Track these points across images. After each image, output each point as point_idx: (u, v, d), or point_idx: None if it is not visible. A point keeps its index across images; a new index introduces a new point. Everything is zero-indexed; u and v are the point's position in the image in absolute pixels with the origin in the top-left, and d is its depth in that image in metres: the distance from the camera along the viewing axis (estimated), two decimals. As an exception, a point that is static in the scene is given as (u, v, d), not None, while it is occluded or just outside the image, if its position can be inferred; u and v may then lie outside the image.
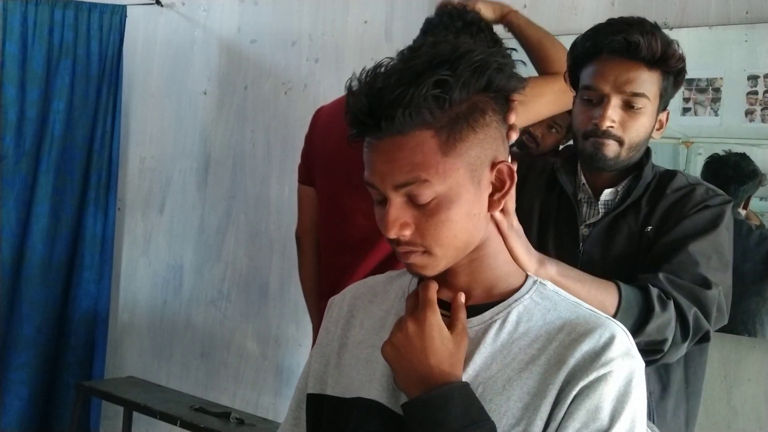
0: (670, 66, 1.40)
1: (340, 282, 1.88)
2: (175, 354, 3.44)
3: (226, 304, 3.28)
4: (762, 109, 2.07)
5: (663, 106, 1.45)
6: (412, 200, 0.90)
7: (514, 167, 0.95)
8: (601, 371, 0.87)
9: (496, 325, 0.94)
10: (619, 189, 1.48)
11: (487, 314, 0.95)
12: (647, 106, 1.40)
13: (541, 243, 1.49)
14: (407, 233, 0.91)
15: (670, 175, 1.49)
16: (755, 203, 2.10)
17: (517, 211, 1.51)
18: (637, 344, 1.24)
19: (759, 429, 2.03)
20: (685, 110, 2.18)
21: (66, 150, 3.41)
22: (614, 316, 1.22)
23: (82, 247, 3.46)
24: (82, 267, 3.45)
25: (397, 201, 0.90)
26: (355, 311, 1.07)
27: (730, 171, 2.12)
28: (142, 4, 3.47)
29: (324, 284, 2.03)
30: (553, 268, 1.17)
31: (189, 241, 3.43)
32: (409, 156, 0.88)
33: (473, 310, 0.96)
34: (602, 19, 2.36)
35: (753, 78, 2.08)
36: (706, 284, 1.33)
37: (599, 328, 0.91)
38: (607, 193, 1.49)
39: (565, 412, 0.87)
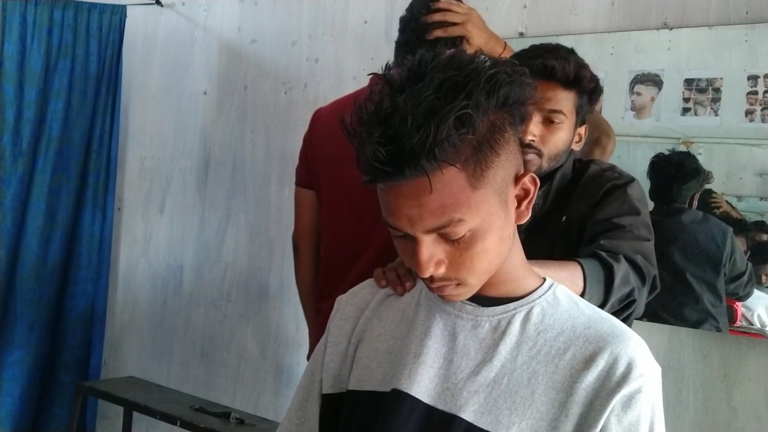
0: (583, 86, 1.56)
1: (340, 281, 1.88)
2: (175, 354, 3.44)
3: (226, 304, 3.28)
4: (762, 109, 2.07)
5: (580, 121, 1.61)
6: (443, 236, 0.86)
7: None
8: (636, 383, 0.87)
9: (521, 317, 0.94)
10: (539, 193, 1.60)
11: (512, 305, 0.95)
12: (564, 122, 1.55)
13: None
14: (442, 270, 0.88)
15: (584, 167, 1.63)
16: (755, 203, 2.10)
17: None
18: (613, 306, 1.34)
19: (759, 429, 2.03)
20: (685, 110, 2.18)
21: (63, 150, 3.40)
22: (585, 287, 1.29)
23: (79, 246, 3.46)
24: (79, 266, 3.46)
25: (427, 240, 0.86)
26: (376, 305, 1.06)
27: (672, 170, 2.17)
28: (142, 4, 3.46)
29: (324, 284, 2.02)
30: (535, 267, 1.20)
31: (189, 241, 3.43)
32: (438, 198, 0.83)
33: (494, 302, 0.96)
34: (602, 20, 2.38)
35: (753, 78, 2.08)
36: (643, 237, 1.48)
37: (623, 336, 0.90)
38: None
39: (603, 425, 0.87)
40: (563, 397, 0.88)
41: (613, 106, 2.28)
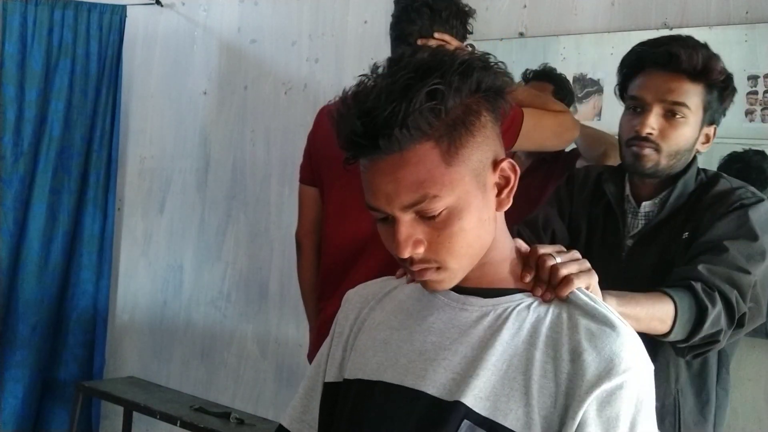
0: (712, 79, 1.43)
1: (341, 281, 1.88)
2: (175, 354, 3.44)
3: (226, 304, 3.28)
4: (762, 109, 2.07)
5: (709, 120, 1.49)
6: (420, 215, 0.88)
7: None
8: (618, 379, 0.87)
9: (520, 307, 0.95)
10: (656, 201, 1.53)
11: (508, 297, 0.96)
12: (688, 117, 1.44)
13: (587, 255, 1.51)
14: (421, 251, 0.90)
15: (713, 181, 1.51)
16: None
17: (569, 225, 1.61)
18: (694, 341, 1.28)
19: (759, 429, 2.03)
20: (685, 110, 2.18)
21: (64, 150, 3.41)
22: (673, 325, 1.26)
23: (80, 246, 3.47)
24: (80, 266, 3.46)
25: (406, 219, 0.89)
26: (381, 296, 1.08)
27: (753, 173, 2.02)
28: (142, 4, 3.47)
29: (324, 284, 2.02)
30: (612, 300, 1.17)
31: (189, 241, 3.43)
32: (413, 173, 0.86)
33: (494, 293, 0.96)
34: (602, 20, 2.38)
35: (753, 78, 2.08)
36: (743, 270, 1.36)
37: (612, 330, 0.90)
38: (646, 205, 1.53)
39: (582, 417, 0.87)
40: (553, 388, 0.89)
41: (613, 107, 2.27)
